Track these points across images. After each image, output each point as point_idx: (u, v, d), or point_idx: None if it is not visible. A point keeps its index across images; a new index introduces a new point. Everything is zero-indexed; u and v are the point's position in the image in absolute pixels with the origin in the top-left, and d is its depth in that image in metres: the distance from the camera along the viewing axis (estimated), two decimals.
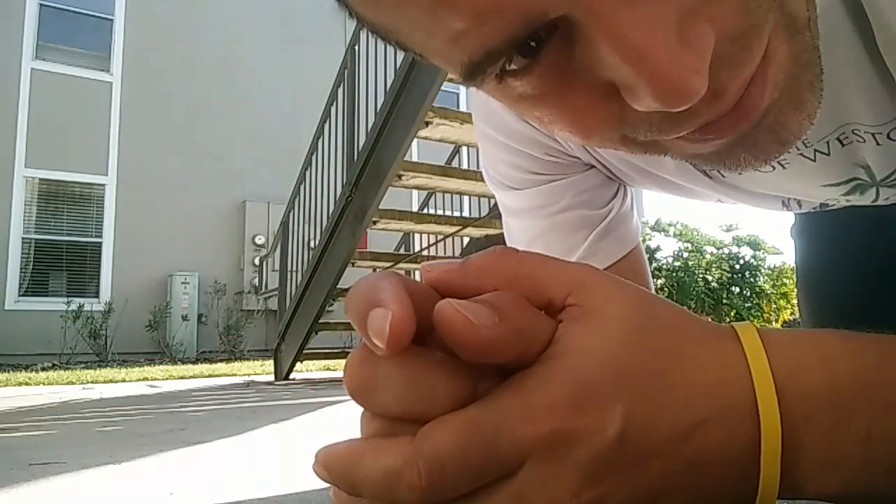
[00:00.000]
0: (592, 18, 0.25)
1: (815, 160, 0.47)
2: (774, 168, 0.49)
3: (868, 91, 0.40)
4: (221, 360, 8.28)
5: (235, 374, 5.88)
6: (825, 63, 0.39)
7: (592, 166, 0.60)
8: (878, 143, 0.43)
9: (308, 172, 5.27)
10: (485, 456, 0.23)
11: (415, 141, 3.84)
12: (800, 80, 0.30)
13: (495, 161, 0.62)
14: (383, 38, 0.29)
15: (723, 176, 0.52)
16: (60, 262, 9.21)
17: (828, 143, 0.45)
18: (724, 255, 8.26)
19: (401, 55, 3.66)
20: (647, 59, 0.25)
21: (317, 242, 4.87)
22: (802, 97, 0.30)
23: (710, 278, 7.89)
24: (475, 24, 0.25)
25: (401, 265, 4.91)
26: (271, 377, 5.35)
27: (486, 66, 0.27)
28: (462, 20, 0.25)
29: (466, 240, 5.30)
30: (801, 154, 0.46)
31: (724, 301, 7.97)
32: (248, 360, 8.32)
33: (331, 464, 0.25)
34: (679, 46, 0.25)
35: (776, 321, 8.11)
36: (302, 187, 5.41)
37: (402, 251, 6.25)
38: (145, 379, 5.44)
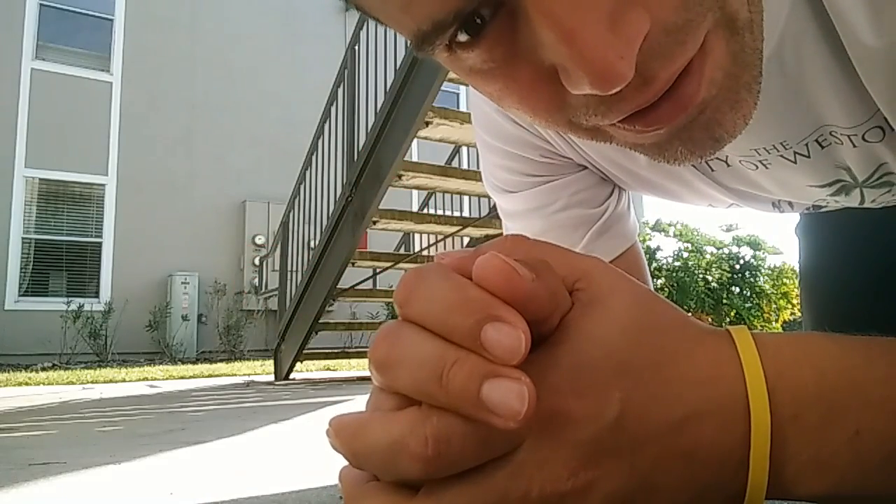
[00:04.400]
0: None
1: (795, 162, 0.47)
2: (758, 167, 0.49)
3: (839, 94, 0.40)
4: (221, 360, 8.28)
5: (235, 374, 5.88)
6: (797, 66, 0.39)
7: (585, 167, 0.61)
8: (854, 146, 0.44)
9: (308, 172, 5.27)
10: (489, 429, 0.23)
11: (415, 141, 3.84)
12: (738, 81, 0.30)
13: (492, 166, 0.64)
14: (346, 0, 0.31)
15: (712, 170, 0.53)
16: (60, 262, 9.21)
17: (807, 145, 0.45)
18: (724, 255, 8.26)
19: (401, 55, 3.67)
20: (575, 41, 0.26)
21: (317, 242, 4.87)
22: (739, 97, 0.31)
23: (710, 278, 7.89)
24: None
25: (401, 265, 4.91)
26: (271, 377, 5.35)
27: (433, 37, 0.28)
28: None
29: (466, 240, 5.30)
30: (782, 156, 0.47)
31: (724, 301, 7.96)
32: (248, 360, 8.32)
33: (340, 431, 0.26)
34: (607, 31, 0.26)
35: (776, 321, 8.11)
36: (302, 187, 5.41)
37: (402, 251, 6.26)
38: (145, 379, 5.44)
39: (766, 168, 0.49)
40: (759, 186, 0.53)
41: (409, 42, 0.30)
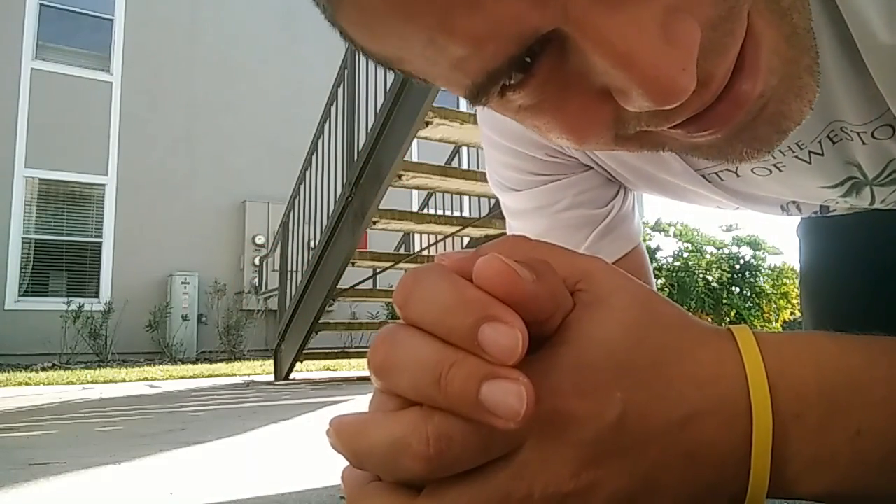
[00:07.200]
0: (580, 29, 0.26)
1: (810, 162, 0.47)
2: (771, 172, 0.49)
3: (849, 91, 0.40)
4: (221, 360, 8.28)
5: (235, 374, 5.88)
6: None
7: (591, 167, 0.60)
8: (863, 142, 0.44)
9: (308, 172, 5.27)
10: (490, 429, 0.23)
11: (415, 141, 3.84)
12: (798, 65, 0.30)
13: (497, 164, 0.63)
14: (389, 68, 0.31)
15: (721, 179, 0.53)
16: (60, 262, 9.21)
17: (820, 142, 0.45)
18: (724, 255, 8.26)
19: None
20: (635, 62, 0.26)
21: (317, 242, 4.87)
22: (802, 82, 0.30)
23: (710, 278, 7.89)
24: (474, 50, 0.26)
25: (401, 265, 4.91)
26: (271, 377, 5.35)
27: (489, 87, 0.28)
28: (461, 47, 0.26)
29: (466, 240, 5.30)
30: (797, 157, 0.47)
31: (724, 301, 7.97)
32: (248, 360, 8.32)
33: (341, 431, 0.26)
34: (665, 46, 0.25)
35: (776, 321, 8.11)
36: (302, 187, 5.41)
37: (402, 251, 6.25)
38: (145, 379, 5.44)
39: (780, 171, 0.48)
40: (769, 190, 0.53)
41: (462, 97, 0.30)
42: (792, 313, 8.07)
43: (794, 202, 0.56)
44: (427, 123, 3.65)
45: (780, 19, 0.28)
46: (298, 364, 5.31)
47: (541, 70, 0.28)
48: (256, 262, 9.61)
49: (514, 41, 0.26)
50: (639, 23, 0.25)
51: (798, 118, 0.31)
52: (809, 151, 0.46)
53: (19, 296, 8.80)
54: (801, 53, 0.30)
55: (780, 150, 0.46)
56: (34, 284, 9.01)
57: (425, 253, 5.41)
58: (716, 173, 0.52)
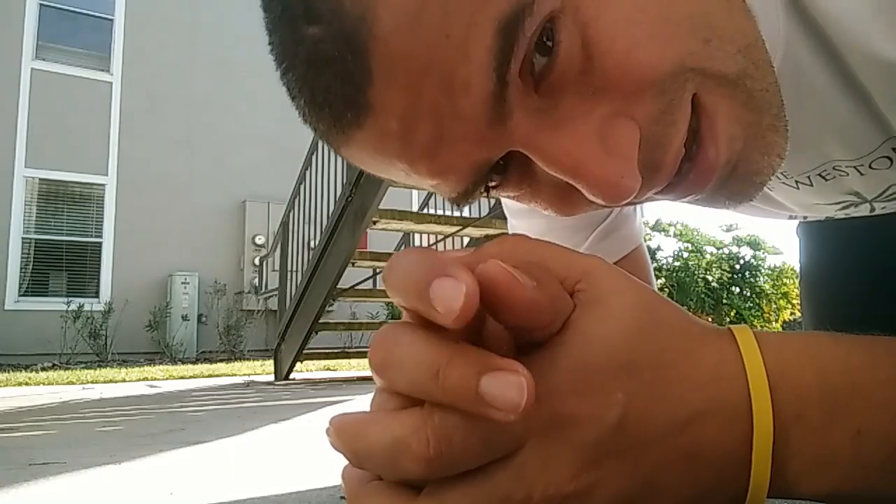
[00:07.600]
0: (530, 151, 0.31)
1: (798, 189, 0.48)
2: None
3: (842, 128, 0.40)
4: (221, 360, 8.28)
5: (235, 374, 5.88)
6: (795, 107, 0.38)
7: None
8: (861, 174, 0.44)
9: (308, 172, 5.27)
10: (490, 429, 0.23)
11: None
12: (760, 126, 0.32)
13: None
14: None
15: None
16: (60, 262, 9.21)
17: (809, 177, 0.45)
18: (724, 255, 8.28)
19: None
20: (581, 174, 0.30)
21: (317, 242, 4.87)
22: (767, 140, 0.32)
23: (710, 278, 7.90)
24: (441, 181, 0.32)
25: None
26: (271, 377, 5.35)
27: (467, 198, 0.34)
28: (431, 180, 0.32)
29: (466, 240, 5.30)
30: (784, 183, 0.47)
31: (724, 301, 7.98)
32: (248, 360, 8.32)
33: (341, 431, 0.26)
34: (604, 156, 0.29)
35: (776, 321, 8.12)
36: (302, 187, 5.41)
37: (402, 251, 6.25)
38: (145, 379, 5.45)
39: (770, 191, 0.50)
40: (769, 204, 0.53)
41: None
42: (792, 313, 8.08)
43: (800, 214, 0.56)
44: None
45: (732, 89, 0.31)
46: (298, 364, 5.31)
47: (513, 173, 0.33)
48: (256, 262, 9.61)
49: (472, 171, 0.32)
50: (579, 139, 0.30)
51: (769, 172, 0.34)
52: (796, 181, 0.47)
53: (19, 296, 8.80)
54: (760, 115, 0.32)
55: None
56: (34, 284, 9.01)
57: None
58: None
